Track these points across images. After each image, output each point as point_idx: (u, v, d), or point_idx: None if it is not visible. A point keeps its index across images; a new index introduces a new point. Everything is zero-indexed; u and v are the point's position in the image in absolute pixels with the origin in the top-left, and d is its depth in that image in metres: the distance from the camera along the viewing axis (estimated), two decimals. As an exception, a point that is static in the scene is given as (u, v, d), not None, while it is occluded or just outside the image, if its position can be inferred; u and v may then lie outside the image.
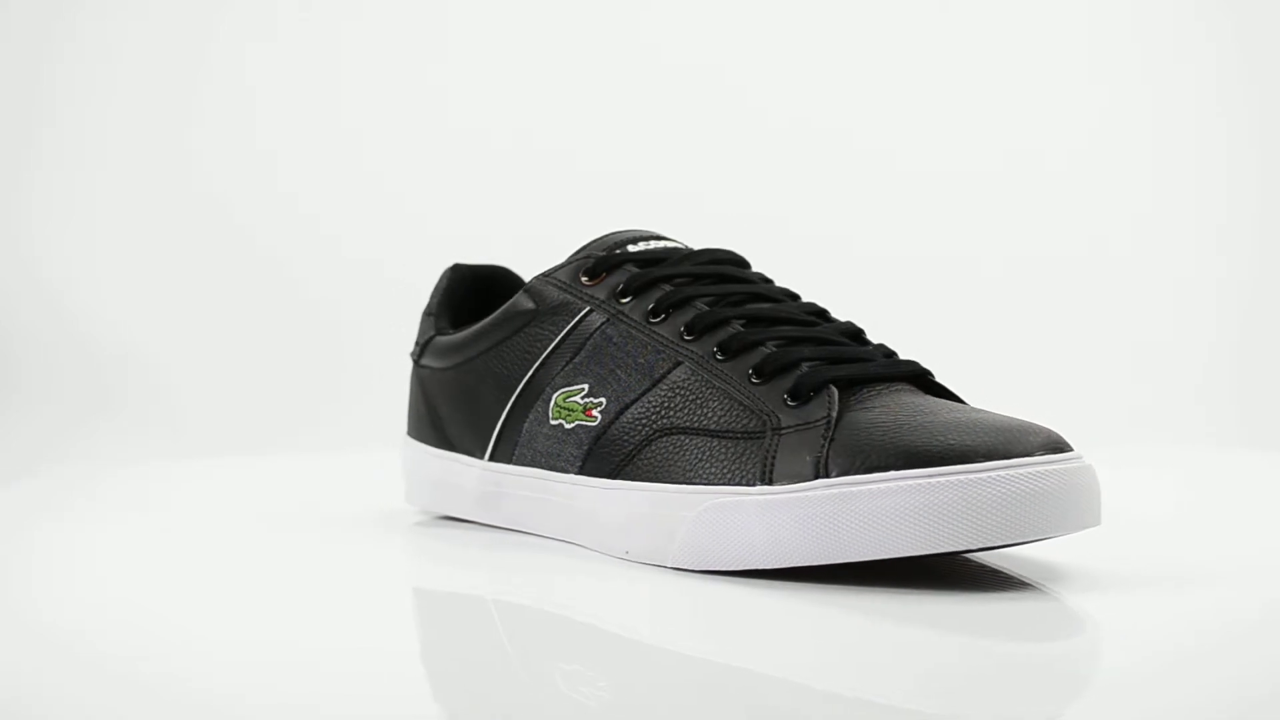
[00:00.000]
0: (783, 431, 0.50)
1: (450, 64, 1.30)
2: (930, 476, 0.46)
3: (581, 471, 0.56)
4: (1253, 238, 1.22)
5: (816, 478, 0.48)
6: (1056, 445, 0.48)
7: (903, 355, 0.55)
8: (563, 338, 0.57)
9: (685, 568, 0.52)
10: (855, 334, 0.55)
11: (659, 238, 0.59)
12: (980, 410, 0.51)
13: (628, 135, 1.28)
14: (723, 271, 0.57)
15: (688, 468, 0.52)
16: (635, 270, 0.57)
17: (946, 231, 1.23)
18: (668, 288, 0.56)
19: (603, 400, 0.55)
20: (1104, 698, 0.38)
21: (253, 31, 1.30)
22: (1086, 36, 1.27)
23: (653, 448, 0.53)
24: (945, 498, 0.46)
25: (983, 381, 1.08)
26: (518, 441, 0.58)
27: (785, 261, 0.66)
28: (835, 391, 0.50)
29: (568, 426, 0.56)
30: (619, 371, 0.55)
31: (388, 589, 0.53)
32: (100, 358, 1.18)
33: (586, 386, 0.56)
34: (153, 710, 0.38)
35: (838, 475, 0.48)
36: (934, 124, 1.27)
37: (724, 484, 0.51)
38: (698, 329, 0.54)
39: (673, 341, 0.54)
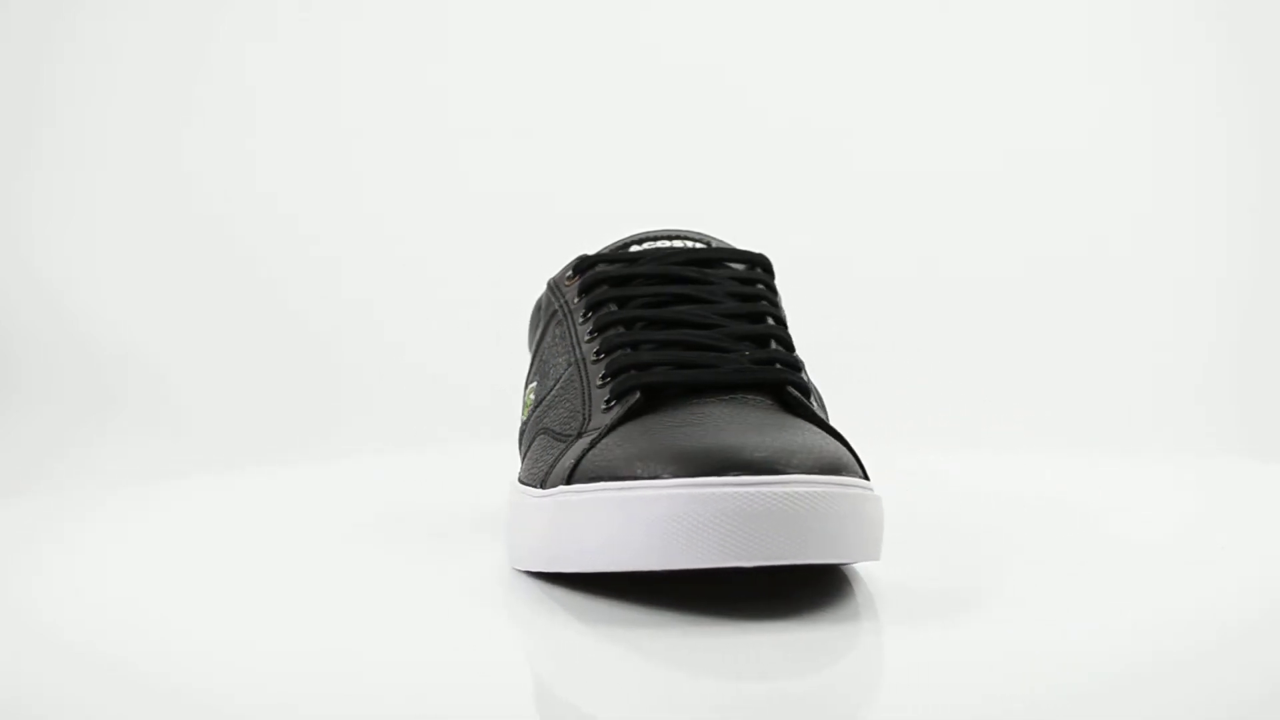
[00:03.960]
0: (582, 435, 0.50)
1: (453, 63, 1.30)
2: (625, 489, 0.44)
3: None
4: (1252, 238, 1.22)
5: (566, 483, 0.47)
6: (829, 468, 0.44)
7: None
8: (540, 336, 0.58)
9: (514, 566, 0.52)
10: (762, 339, 0.53)
11: (680, 236, 0.58)
12: (797, 428, 0.47)
13: (636, 137, 1.28)
14: (679, 273, 0.55)
15: (529, 467, 0.53)
16: (597, 270, 0.56)
17: (943, 232, 1.23)
18: (605, 288, 0.55)
19: (533, 398, 0.56)
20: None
21: (255, 32, 1.30)
22: (1086, 36, 1.27)
23: (532, 446, 0.54)
24: (638, 512, 0.43)
25: (981, 382, 1.08)
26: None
27: (796, 266, 0.66)
28: (635, 397, 0.49)
29: (521, 421, 0.58)
30: (550, 371, 0.56)
31: (375, 594, 0.52)
32: (101, 358, 1.18)
33: (535, 384, 0.57)
34: (153, 711, 0.38)
35: (577, 482, 0.46)
36: (934, 126, 1.27)
37: (530, 484, 0.51)
38: (597, 329, 0.54)
39: (580, 342, 0.54)
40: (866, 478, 0.48)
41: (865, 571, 0.51)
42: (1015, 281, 1.20)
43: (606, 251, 0.58)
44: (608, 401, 0.50)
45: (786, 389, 0.50)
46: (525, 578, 0.50)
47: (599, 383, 0.51)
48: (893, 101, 1.28)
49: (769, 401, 0.50)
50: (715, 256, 0.56)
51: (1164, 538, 0.61)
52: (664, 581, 0.46)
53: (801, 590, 0.48)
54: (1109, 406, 1.06)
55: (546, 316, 0.58)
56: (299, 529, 0.63)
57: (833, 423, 0.52)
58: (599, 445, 0.47)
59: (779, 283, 0.61)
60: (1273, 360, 1.12)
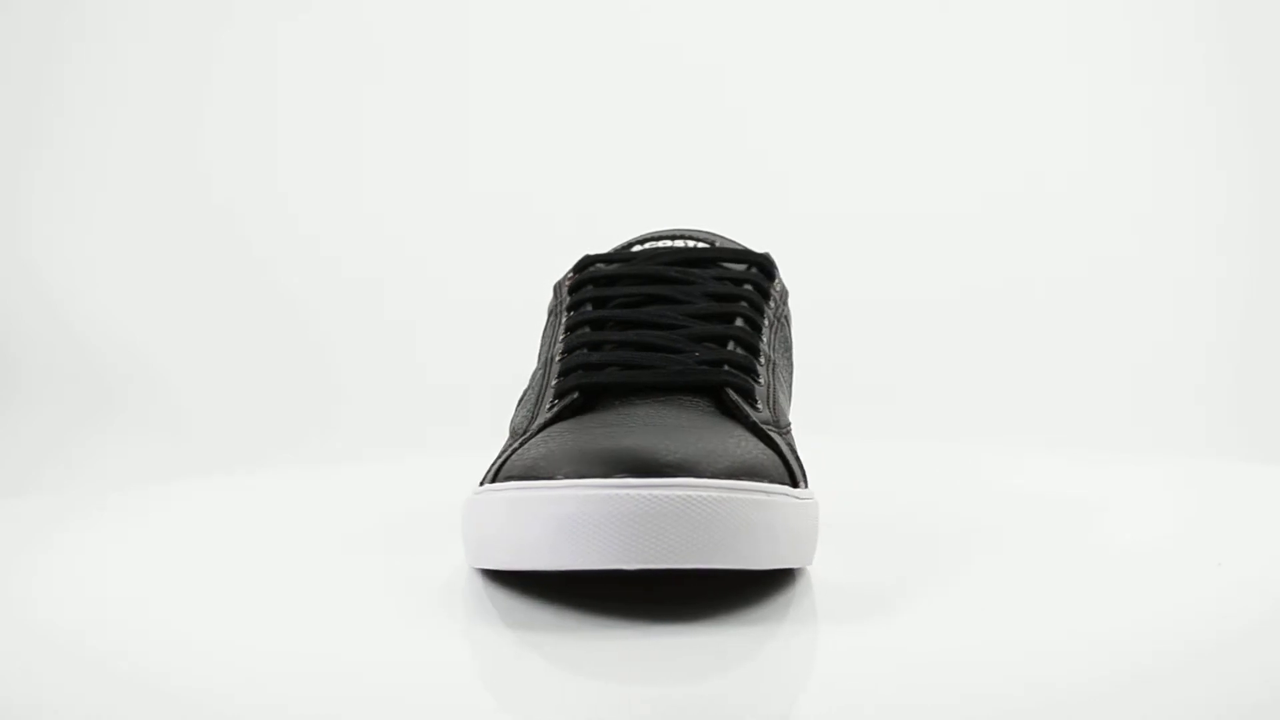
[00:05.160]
0: (525, 434, 0.50)
1: (461, 64, 1.30)
2: (523, 490, 0.44)
3: None
4: (1252, 239, 1.22)
5: (490, 482, 0.47)
6: (738, 473, 0.43)
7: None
8: (541, 336, 0.59)
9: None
10: (721, 340, 0.52)
11: (686, 236, 0.58)
12: (721, 431, 0.47)
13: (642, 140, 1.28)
14: (661, 273, 0.55)
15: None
16: (589, 271, 0.57)
17: (943, 234, 1.23)
18: (590, 288, 0.56)
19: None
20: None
21: (260, 35, 1.30)
22: (1088, 40, 1.27)
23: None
24: (529, 512, 0.44)
25: (980, 381, 1.08)
26: None
27: (805, 267, 0.66)
28: (573, 397, 0.50)
29: None
30: (534, 370, 0.56)
31: (356, 596, 0.52)
32: (101, 359, 1.18)
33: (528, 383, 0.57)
34: (152, 711, 0.38)
35: (498, 481, 0.46)
36: (939, 128, 1.27)
37: (479, 482, 0.51)
38: (568, 329, 0.54)
39: (554, 342, 0.55)
40: (794, 484, 0.47)
41: (816, 573, 0.51)
42: (1015, 282, 1.20)
43: (611, 252, 0.58)
44: (552, 401, 0.50)
45: (725, 391, 0.50)
46: (481, 580, 0.50)
47: (553, 382, 0.52)
48: (899, 103, 1.28)
49: (707, 404, 0.50)
50: (709, 256, 0.56)
51: (1157, 540, 0.61)
52: (607, 584, 0.46)
53: (741, 592, 0.47)
54: (1108, 407, 1.06)
55: (548, 316, 0.59)
56: (298, 531, 0.63)
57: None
58: (525, 445, 0.48)
59: (793, 283, 0.61)
60: (1272, 362, 1.12)
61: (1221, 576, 0.52)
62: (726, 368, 0.51)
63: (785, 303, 0.59)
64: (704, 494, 0.42)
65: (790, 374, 0.59)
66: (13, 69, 1.29)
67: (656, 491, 0.42)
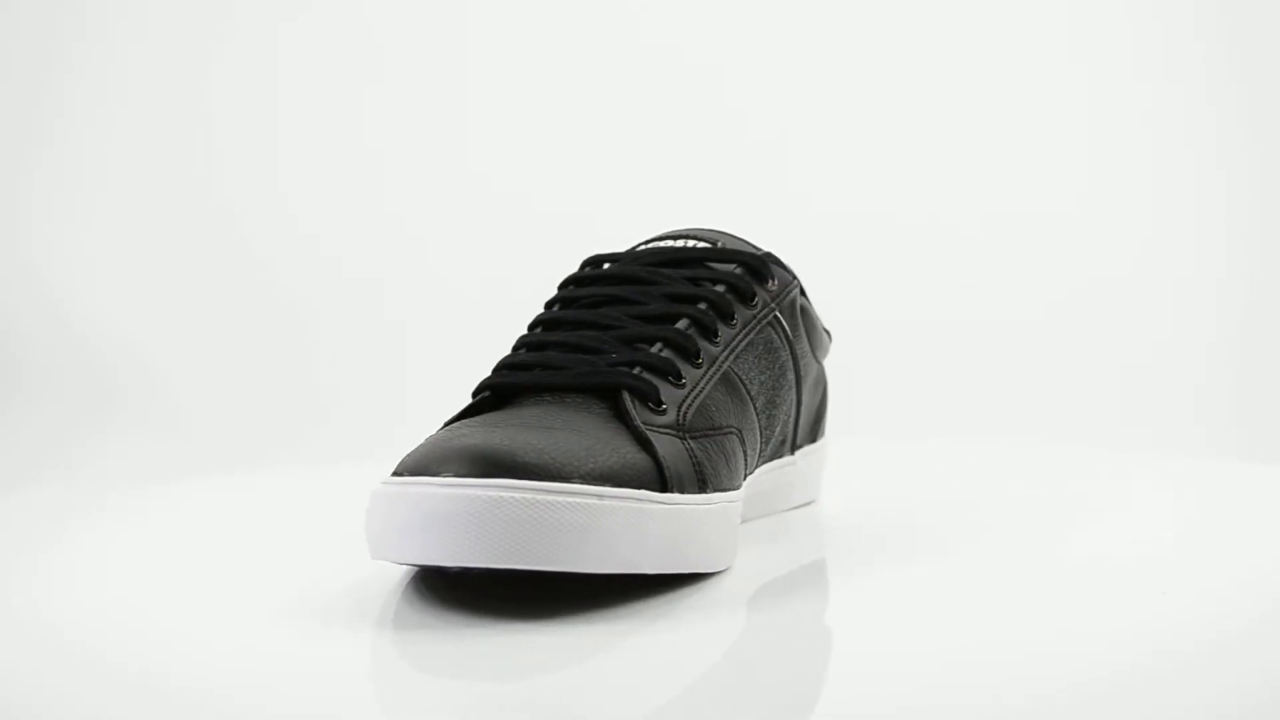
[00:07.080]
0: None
1: (463, 64, 1.30)
2: (381, 486, 0.45)
3: None
4: (1252, 243, 1.22)
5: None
6: (595, 477, 0.43)
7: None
8: None
9: None
10: (648, 341, 0.51)
11: (688, 236, 0.58)
12: (588, 433, 0.46)
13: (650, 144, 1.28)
14: (634, 273, 0.55)
15: None
16: (578, 271, 0.57)
17: (943, 234, 1.23)
18: (572, 288, 0.56)
19: None
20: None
21: (260, 35, 1.30)
22: (1088, 40, 1.27)
23: None
24: (380, 508, 0.44)
25: (978, 378, 1.08)
26: None
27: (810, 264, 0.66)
28: (483, 395, 0.50)
29: None
30: None
31: (372, 598, 0.52)
32: (101, 359, 1.18)
33: None
34: (151, 711, 0.38)
35: (394, 475, 0.46)
36: (939, 136, 1.27)
37: None
38: (529, 328, 0.55)
39: None
40: (665, 489, 0.46)
41: (751, 572, 0.50)
42: (1013, 281, 1.20)
43: (614, 253, 0.58)
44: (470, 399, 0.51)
45: (620, 394, 0.49)
46: (443, 580, 0.50)
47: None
48: (907, 104, 1.28)
49: (602, 406, 0.49)
50: (694, 256, 0.56)
51: (1157, 539, 0.61)
52: (502, 583, 0.46)
53: (617, 592, 0.46)
54: (1108, 407, 1.06)
55: None
56: (298, 531, 0.63)
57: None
58: (430, 439, 0.47)
59: (805, 279, 0.61)
60: (1272, 362, 1.12)
61: (1221, 577, 0.52)
62: (637, 370, 0.50)
63: (780, 305, 0.58)
64: (519, 495, 0.41)
65: (771, 377, 0.57)
66: (13, 69, 1.29)
67: (472, 491, 0.41)
